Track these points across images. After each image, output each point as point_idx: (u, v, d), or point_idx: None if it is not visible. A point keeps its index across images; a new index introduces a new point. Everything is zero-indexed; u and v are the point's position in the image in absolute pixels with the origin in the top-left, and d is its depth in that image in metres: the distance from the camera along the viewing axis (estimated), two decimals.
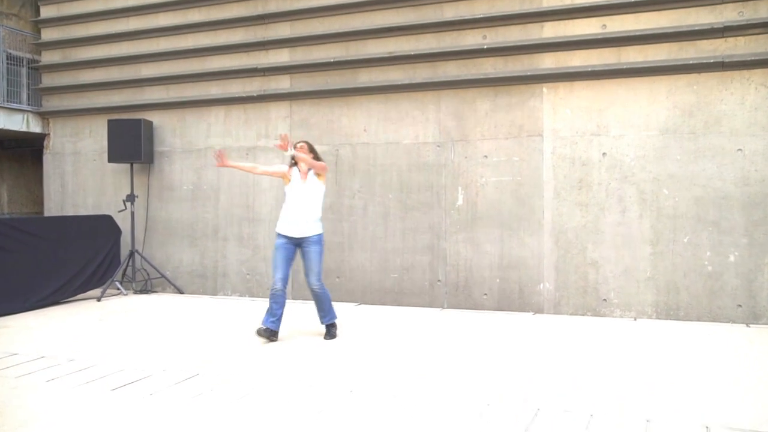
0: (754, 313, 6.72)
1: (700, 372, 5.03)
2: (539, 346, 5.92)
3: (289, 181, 6.19)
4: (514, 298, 7.59)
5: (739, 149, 6.79)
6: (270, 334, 6.08)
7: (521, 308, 7.54)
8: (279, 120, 8.80)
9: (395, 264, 8.11)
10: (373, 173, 8.25)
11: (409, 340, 6.21)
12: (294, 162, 6.22)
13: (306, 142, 6.31)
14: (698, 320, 6.86)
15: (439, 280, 7.91)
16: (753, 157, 6.74)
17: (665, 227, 7.03)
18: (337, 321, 6.34)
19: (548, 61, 7.47)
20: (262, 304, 7.41)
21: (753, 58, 6.69)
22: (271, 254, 8.41)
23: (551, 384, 4.74)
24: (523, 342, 6.11)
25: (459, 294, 7.83)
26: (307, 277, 6.18)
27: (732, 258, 6.81)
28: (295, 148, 6.16)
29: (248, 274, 8.98)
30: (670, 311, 6.99)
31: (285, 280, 6.11)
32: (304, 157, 6.10)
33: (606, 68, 7.21)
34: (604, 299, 7.24)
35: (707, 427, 3.85)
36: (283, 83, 8.78)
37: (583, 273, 7.33)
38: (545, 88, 7.50)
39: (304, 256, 6.17)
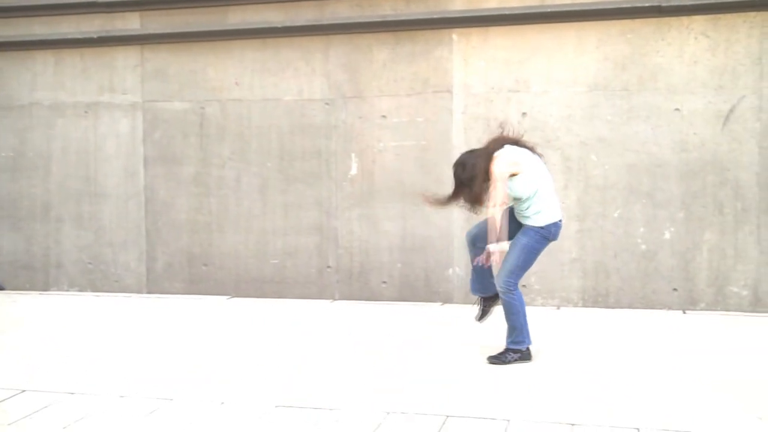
0: (692, 298, 6.39)
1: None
2: (443, 346, 5.37)
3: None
4: (418, 287, 6.96)
5: (677, 109, 6.40)
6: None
7: (427, 298, 6.94)
8: (127, 70, 7.69)
9: (276, 247, 7.34)
10: (247, 137, 7.40)
11: (286, 342, 5.47)
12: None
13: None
14: (630, 307, 6.53)
15: (329, 267, 7.19)
16: (692, 119, 6.34)
17: (593, 200, 6.56)
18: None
19: (459, 2, 6.80)
20: (111, 301, 7.12)
21: (693, 2, 6.22)
22: (119, 237, 7.60)
23: (468, 394, 4.06)
24: (424, 341, 5.50)
25: (353, 282, 7.14)
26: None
27: (668, 235, 6.44)
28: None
29: (90, 263, 7.86)
30: (598, 297, 6.55)
31: (474, 235, 4.92)
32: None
33: (527, 11, 6.59)
34: (524, 285, 6.56)
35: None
36: (131, 23, 7.69)
37: None
38: (455, 35, 6.82)
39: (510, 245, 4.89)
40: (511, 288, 4.67)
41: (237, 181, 7.39)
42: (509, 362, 4.72)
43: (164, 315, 6.48)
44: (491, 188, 4.57)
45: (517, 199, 4.69)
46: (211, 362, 4.91)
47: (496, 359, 4.76)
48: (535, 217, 4.66)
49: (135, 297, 7.36)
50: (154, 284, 7.51)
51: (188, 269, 7.34)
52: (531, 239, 4.67)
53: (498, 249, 4.70)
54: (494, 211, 4.58)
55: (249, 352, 5.13)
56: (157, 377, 4.58)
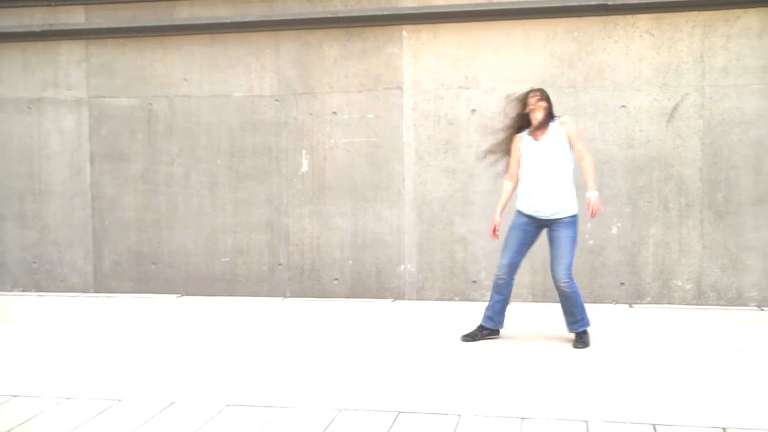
0: (638, 292, 6.45)
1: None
2: (394, 342, 5.34)
3: (519, 152, 5.17)
4: (370, 283, 6.92)
5: (623, 106, 6.45)
6: (482, 332, 5.28)
7: (379, 294, 6.91)
8: (72, 65, 7.47)
9: (226, 245, 7.23)
10: (196, 133, 7.26)
11: (237, 341, 5.38)
12: (516, 124, 5.22)
13: (540, 91, 5.21)
14: None
15: (280, 264, 7.08)
16: (638, 115, 6.41)
17: None
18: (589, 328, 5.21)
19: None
20: (56, 301, 6.96)
21: (638, 1, 6.28)
22: (65, 235, 7.41)
23: (419, 389, 4.04)
24: (375, 338, 5.49)
25: (305, 280, 7.06)
26: (553, 270, 5.07)
27: (615, 230, 6.48)
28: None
29: (35, 262, 7.63)
30: (547, 292, 6.55)
31: (512, 268, 5.18)
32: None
33: (475, 9, 6.57)
34: (474, 281, 6.71)
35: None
36: (76, 16, 7.47)
37: (450, 251, 6.75)
38: (405, 32, 6.77)
39: (552, 240, 5.11)
40: (572, 279, 5.01)
41: (186, 179, 7.25)
42: (588, 342, 5.04)
43: (112, 314, 6.33)
44: (581, 141, 5.08)
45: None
46: (161, 362, 4.82)
47: (581, 343, 5.04)
48: (571, 202, 5.03)
49: (82, 297, 7.20)
50: (101, 283, 7.35)
51: (136, 268, 7.20)
52: (573, 229, 5.05)
53: (596, 196, 5.04)
54: (590, 157, 5.06)
55: (199, 352, 5.05)
56: (105, 378, 4.48)
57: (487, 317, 5.24)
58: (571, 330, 5.12)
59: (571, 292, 5.01)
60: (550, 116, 5.08)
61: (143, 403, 3.99)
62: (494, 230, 5.28)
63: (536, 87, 5.29)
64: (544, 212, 5.01)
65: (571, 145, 5.03)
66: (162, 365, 4.74)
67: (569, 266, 4.99)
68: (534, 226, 5.12)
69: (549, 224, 5.06)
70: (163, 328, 5.82)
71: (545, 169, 5.00)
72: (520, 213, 5.16)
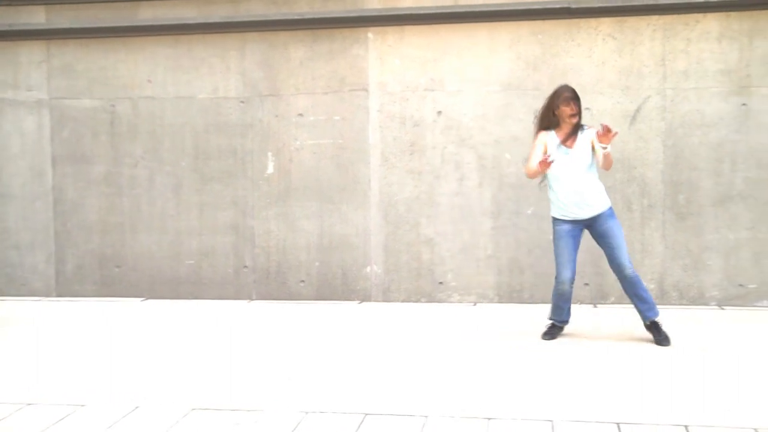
0: (602, 292, 6.50)
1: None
2: (361, 344, 5.31)
3: (549, 155, 5.01)
4: (336, 285, 6.89)
5: (587, 108, 6.29)
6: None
7: (345, 296, 6.88)
8: (32, 66, 7.32)
9: (191, 248, 7.15)
10: (160, 135, 7.17)
11: (202, 344, 5.31)
12: (545, 125, 5.19)
13: (576, 100, 5.14)
14: (544, 302, 6.43)
15: (245, 266, 7.03)
16: (601, 118, 6.36)
17: (508, 197, 6.60)
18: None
19: (375, 1, 6.73)
20: (17, 306, 6.87)
21: (601, 4, 6.32)
22: (26, 239, 7.27)
23: (386, 391, 3.95)
24: (341, 340, 5.45)
25: (271, 282, 7.00)
26: (616, 259, 5.09)
27: None
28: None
29: None
30: (513, 293, 6.60)
31: (574, 277, 5.20)
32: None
33: (441, 11, 6.57)
34: (441, 282, 6.72)
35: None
36: (36, 16, 7.32)
37: (416, 252, 6.74)
38: (371, 34, 6.75)
39: (602, 235, 5.12)
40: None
41: (150, 181, 7.15)
42: (666, 334, 5.05)
43: (75, 318, 6.22)
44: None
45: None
46: (125, 366, 4.76)
47: (662, 338, 5.04)
48: (605, 197, 5.13)
49: (44, 300, 7.07)
50: (63, 287, 7.23)
51: (99, 271, 7.09)
52: (615, 217, 5.15)
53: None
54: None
55: (164, 355, 4.99)
56: (68, 383, 4.41)
57: (560, 321, 5.32)
58: (647, 318, 5.14)
59: (636, 276, 5.09)
60: (579, 126, 5.11)
61: (107, 408, 3.93)
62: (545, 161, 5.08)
63: (571, 90, 5.15)
64: (585, 214, 5.07)
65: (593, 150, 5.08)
66: (126, 370, 4.68)
67: (627, 252, 5.10)
68: (578, 229, 5.15)
69: (591, 222, 5.10)
70: (127, 331, 5.73)
71: (580, 175, 5.04)
72: (560, 221, 5.17)
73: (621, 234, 5.09)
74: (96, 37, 7.20)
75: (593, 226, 5.12)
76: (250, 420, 3.72)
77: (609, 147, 4.92)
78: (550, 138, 5.12)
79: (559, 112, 5.05)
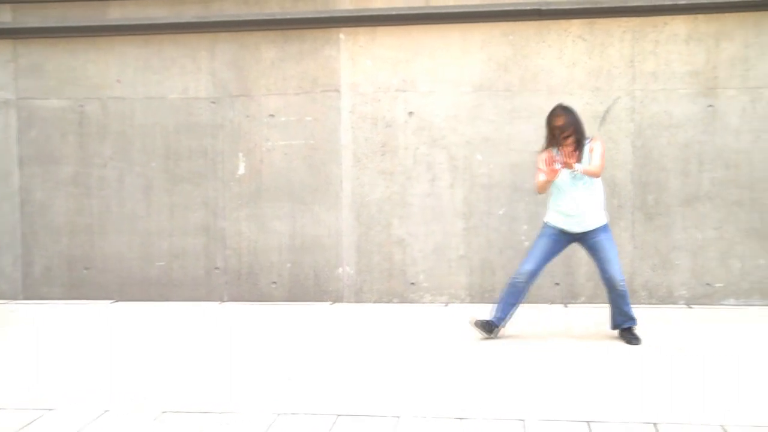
0: (573, 292, 6.54)
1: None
2: (332, 345, 5.29)
3: (556, 161, 5.01)
4: (308, 286, 6.86)
5: None
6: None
7: (318, 297, 6.85)
8: None
9: (161, 249, 7.08)
10: (130, 136, 7.10)
11: (172, 346, 5.27)
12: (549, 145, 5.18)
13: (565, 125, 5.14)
14: None
15: (217, 268, 6.98)
16: None
17: (479, 198, 6.62)
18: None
19: (346, 2, 6.72)
20: None
21: (571, 6, 6.36)
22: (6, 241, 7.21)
23: (358, 392, 3.89)
24: (313, 341, 5.42)
25: (242, 283, 6.96)
26: (606, 272, 5.11)
27: None
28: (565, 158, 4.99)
29: None
30: (485, 293, 6.60)
31: (533, 275, 5.22)
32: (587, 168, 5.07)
33: (413, 12, 6.57)
34: (412, 283, 6.72)
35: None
36: (2, 15, 7.21)
37: (388, 253, 6.74)
38: (343, 34, 6.74)
39: (592, 248, 5.17)
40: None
41: (120, 182, 7.07)
42: (639, 338, 5.10)
43: (43, 321, 6.15)
44: (601, 159, 5.07)
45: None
46: (94, 369, 4.70)
47: (634, 339, 5.10)
48: (601, 214, 5.15)
49: (11, 303, 6.97)
50: (31, 290, 7.13)
51: (68, 273, 7.00)
52: (608, 231, 5.17)
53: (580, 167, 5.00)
54: (599, 172, 5.07)
55: (134, 358, 4.93)
56: (35, 387, 4.35)
57: (498, 318, 5.27)
58: (619, 327, 5.21)
59: (625, 290, 5.13)
60: (579, 143, 5.08)
61: (76, 412, 3.89)
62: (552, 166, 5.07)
63: (561, 108, 5.17)
64: (577, 229, 5.11)
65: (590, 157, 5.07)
66: (96, 373, 4.63)
67: (619, 266, 5.11)
68: (565, 239, 5.18)
69: (581, 237, 5.14)
70: (96, 334, 5.66)
71: (580, 192, 5.07)
72: (551, 226, 5.19)
73: (613, 248, 5.11)
74: (64, 36, 7.12)
75: (584, 239, 5.16)
76: (221, 422, 3.69)
77: (578, 167, 4.95)
78: (552, 154, 5.07)
79: (557, 142, 5.08)
